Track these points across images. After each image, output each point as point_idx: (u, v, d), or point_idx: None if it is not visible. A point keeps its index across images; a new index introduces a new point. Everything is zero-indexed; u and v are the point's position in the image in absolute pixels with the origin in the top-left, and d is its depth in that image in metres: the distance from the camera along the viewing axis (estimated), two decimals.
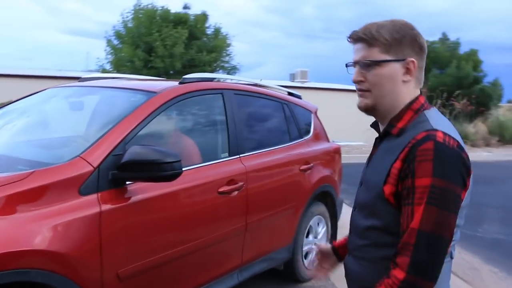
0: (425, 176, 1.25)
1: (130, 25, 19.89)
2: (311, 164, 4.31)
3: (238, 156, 3.44)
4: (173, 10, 19.95)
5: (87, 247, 2.30)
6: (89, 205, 2.34)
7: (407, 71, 1.41)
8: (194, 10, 22.59)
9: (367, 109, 1.47)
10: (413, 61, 1.41)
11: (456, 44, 23.68)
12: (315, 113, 4.93)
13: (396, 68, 1.41)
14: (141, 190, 2.60)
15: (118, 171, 2.48)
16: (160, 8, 19.70)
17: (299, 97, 4.88)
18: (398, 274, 1.25)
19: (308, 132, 4.63)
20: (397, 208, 1.34)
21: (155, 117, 2.89)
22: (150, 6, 19.71)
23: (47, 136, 3.21)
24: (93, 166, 2.41)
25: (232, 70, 21.00)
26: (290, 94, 4.78)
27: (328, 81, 23.73)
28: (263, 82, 4.64)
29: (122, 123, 2.69)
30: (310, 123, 4.74)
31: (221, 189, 3.13)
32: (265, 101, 4.18)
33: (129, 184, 2.56)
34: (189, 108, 3.40)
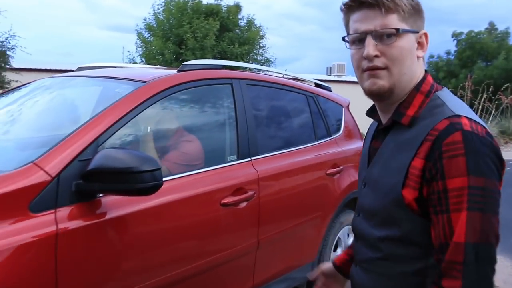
0: (459, 175, 1.06)
1: (161, 17, 19.61)
2: (341, 167, 3.67)
3: (249, 159, 2.85)
4: (204, 1, 19.53)
5: (36, 281, 1.77)
6: (42, 225, 1.80)
7: (420, 45, 1.25)
8: (227, 1, 22.05)
9: (381, 93, 1.23)
10: (426, 34, 1.26)
11: (505, 34, 22.40)
12: (347, 107, 4.28)
13: (413, 41, 1.23)
14: (117, 204, 2.05)
15: (83, 181, 1.94)
16: (191, 0, 19.30)
17: (328, 89, 4.24)
18: None
19: (338, 129, 3.99)
20: (421, 215, 1.15)
21: (141, 111, 2.33)
22: None
23: (8, 136, 2.69)
24: (50, 175, 1.87)
25: (265, 63, 20.46)
26: (317, 85, 4.15)
27: None
28: (287, 73, 4.00)
29: (95, 120, 2.15)
30: (341, 119, 4.10)
31: (224, 200, 2.54)
32: (286, 93, 3.56)
33: (102, 196, 2.02)
34: (188, 101, 2.84)
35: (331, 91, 4.26)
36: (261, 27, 20.07)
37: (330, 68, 25.48)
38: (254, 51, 20.00)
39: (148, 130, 2.63)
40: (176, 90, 2.57)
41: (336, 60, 24.22)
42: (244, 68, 3.42)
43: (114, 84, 2.65)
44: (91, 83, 2.89)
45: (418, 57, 1.25)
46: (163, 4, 19.55)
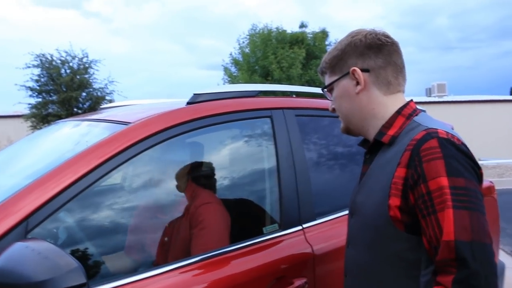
0: (438, 175, 1.10)
1: (246, 51, 19.36)
2: None
3: (299, 227, 1.89)
4: (289, 30, 18.96)
5: None
6: None
7: (357, 81, 1.33)
8: (312, 28, 21.34)
9: (344, 132, 1.46)
10: (354, 69, 1.33)
11: None
12: None
13: (345, 84, 1.36)
14: None
15: None
16: (275, 30, 18.82)
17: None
18: None
19: None
20: (406, 230, 1.17)
21: (115, 167, 1.51)
22: (265, 29, 18.96)
23: None
24: None
25: None
26: None
27: (470, 93, 21.32)
28: None
29: (29, 188, 1.35)
30: None
31: None
32: None
33: None
34: (199, 147, 1.97)
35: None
36: None
37: (430, 89, 23.74)
38: None
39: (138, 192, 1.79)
40: (181, 131, 1.71)
41: (435, 80, 22.47)
42: (292, 93, 2.48)
43: (97, 129, 1.85)
44: (82, 129, 2.11)
45: (357, 93, 1.34)
46: (248, 37, 19.28)
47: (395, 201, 1.18)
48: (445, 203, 1.09)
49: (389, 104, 1.33)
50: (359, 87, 1.33)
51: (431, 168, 1.12)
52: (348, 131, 1.44)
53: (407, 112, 1.32)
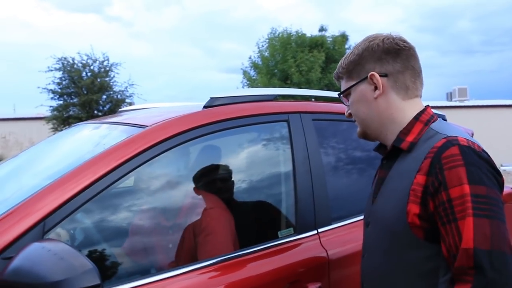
0: (460, 183, 1.10)
1: (266, 54, 19.38)
2: None
3: (314, 232, 1.89)
4: (308, 34, 18.92)
5: None
6: None
7: (375, 86, 1.33)
8: (332, 31, 21.25)
9: (361, 137, 1.44)
10: (372, 74, 1.32)
11: None
12: None
13: (363, 89, 1.35)
14: None
15: None
16: (295, 33, 18.81)
17: (442, 117, 3.13)
18: None
19: None
20: (425, 238, 1.17)
21: (133, 169, 1.54)
22: (284, 32, 18.96)
23: None
24: None
25: None
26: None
27: (492, 98, 20.98)
28: None
29: (45, 191, 1.38)
30: None
31: None
32: None
33: None
34: (216, 152, 1.98)
35: (446, 120, 3.14)
36: None
37: (451, 93, 23.44)
38: None
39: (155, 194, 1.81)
40: (197, 134, 1.73)
41: (456, 85, 22.17)
42: (311, 97, 2.47)
43: (114, 132, 1.88)
44: (101, 131, 2.14)
45: (375, 98, 1.33)
46: (267, 41, 19.31)
47: (413, 208, 1.17)
48: (466, 211, 1.08)
49: (407, 109, 1.33)
50: (377, 92, 1.32)
51: (453, 175, 1.11)
52: (365, 135, 1.43)
53: (425, 118, 1.31)
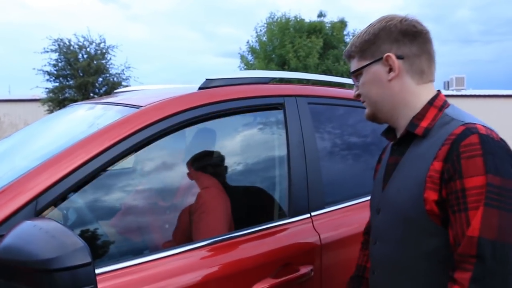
0: (477, 174, 1.09)
1: (264, 39, 19.28)
2: None
3: (307, 215, 1.89)
4: (307, 19, 18.80)
5: None
6: None
7: (390, 68, 1.29)
8: (330, 17, 21.13)
9: (370, 119, 1.40)
10: (389, 55, 1.29)
11: None
12: None
13: (376, 70, 1.32)
14: None
15: None
16: (293, 18, 18.69)
17: None
18: None
19: None
20: (446, 225, 1.15)
21: (128, 153, 1.53)
22: (283, 17, 18.83)
23: None
24: None
25: None
26: None
27: (489, 87, 20.96)
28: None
29: (37, 170, 1.37)
30: None
31: (258, 286, 1.62)
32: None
33: None
34: (210, 133, 1.97)
35: None
36: None
37: (448, 82, 23.44)
38: None
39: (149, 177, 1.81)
40: (191, 117, 1.72)
41: (453, 74, 22.17)
42: (307, 81, 2.45)
43: (108, 113, 1.86)
44: (95, 112, 2.13)
45: (390, 80, 1.30)
46: (265, 25, 19.20)
47: (431, 195, 1.16)
48: (479, 202, 1.08)
49: (421, 94, 1.30)
50: (392, 74, 1.29)
51: (470, 165, 1.10)
52: (374, 118, 1.39)
53: (439, 103, 1.28)
